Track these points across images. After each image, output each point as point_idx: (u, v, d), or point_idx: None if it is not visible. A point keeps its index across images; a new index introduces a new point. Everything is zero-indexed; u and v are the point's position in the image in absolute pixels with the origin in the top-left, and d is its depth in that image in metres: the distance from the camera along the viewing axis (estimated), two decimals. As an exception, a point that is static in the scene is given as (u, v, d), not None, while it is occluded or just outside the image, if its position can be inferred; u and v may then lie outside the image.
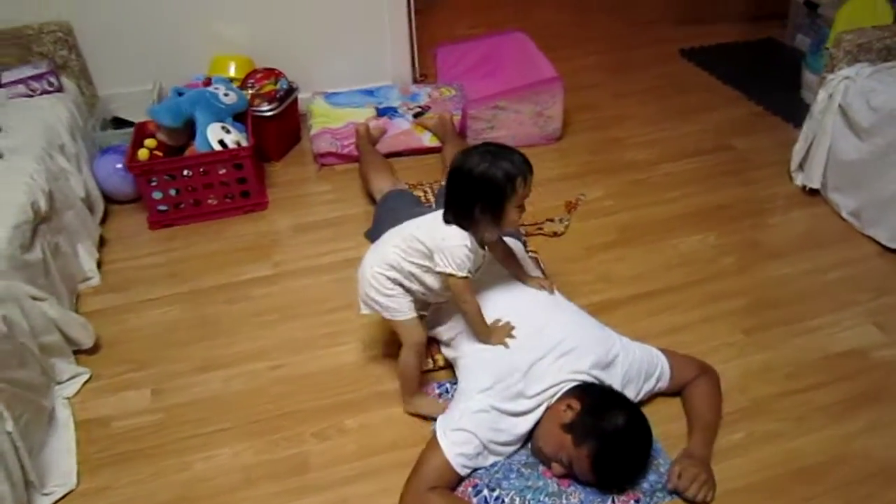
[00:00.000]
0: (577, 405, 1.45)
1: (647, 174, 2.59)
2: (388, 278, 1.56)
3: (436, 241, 1.50)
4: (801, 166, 2.43)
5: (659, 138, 2.81)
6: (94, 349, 1.92)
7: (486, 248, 1.58)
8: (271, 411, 1.73)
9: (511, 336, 1.58)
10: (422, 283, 1.57)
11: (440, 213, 1.53)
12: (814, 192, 2.41)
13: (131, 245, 2.34)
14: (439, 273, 1.52)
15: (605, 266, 2.15)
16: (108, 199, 2.48)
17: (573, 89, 3.15)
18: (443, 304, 1.70)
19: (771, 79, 3.17)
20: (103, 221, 2.41)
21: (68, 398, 1.77)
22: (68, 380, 1.81)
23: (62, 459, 1.62)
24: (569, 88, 3.13)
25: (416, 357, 1.63)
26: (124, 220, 2.45)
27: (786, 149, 2.52)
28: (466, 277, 1.51)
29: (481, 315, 1.58)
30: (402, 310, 1.59)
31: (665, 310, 1.99)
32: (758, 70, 3.29)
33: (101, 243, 2.31)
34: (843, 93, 2.21)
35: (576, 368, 1.53)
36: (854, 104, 2.17)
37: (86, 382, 1.83)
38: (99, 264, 2.22)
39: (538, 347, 1.55)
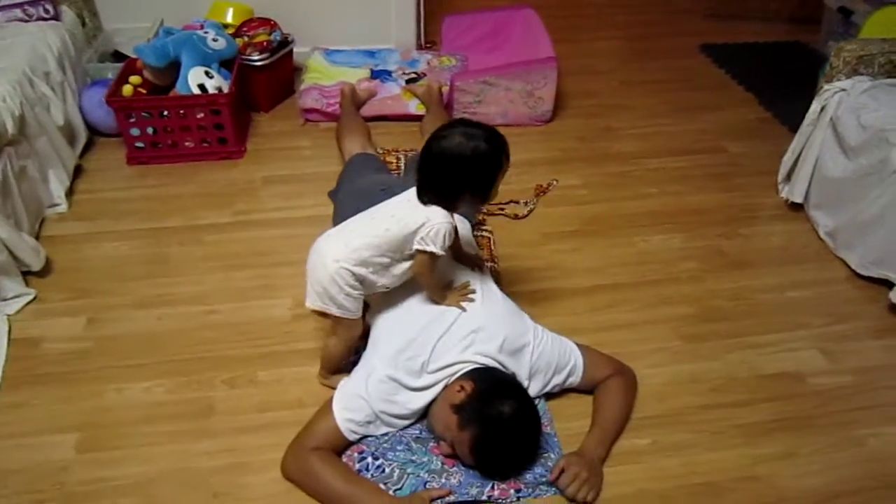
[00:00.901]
0: (469, 387, 1.44)
1: (630, 167, 2.52)
2: (354, 274, 1.46)
3: (417, 224, 1.42)
4: (788, 177, 2.33)
5: (653, 132, 2.73)
6: (45, 272, 1.98)
7: None
8: (192, 353, 1.76)
9: (469, 299, 1.56)
10: (392, 273, 1.51)
11: (411, 196, 1.46)
12: (797, 207, 2.31)
13: (106, 178, 2.40)
14: (417, 250, 1.45)
15: (560, 255, 2.11)
16: (95, 131, 2.55)
17: (580, 73, 3.10)
18: None
19: (788, 85, 3.02)
20: (85, 152, 2.48)
21: (8, 315, 1.84)
22: (12, 298, 1.88)
23: (-12, 372, 1.69)
24: (576, 72, 3.09)
25: (346, 349, 1.62)
26: (105, 153, 2.50)
27: (780, 159, 2.41)
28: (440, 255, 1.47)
29: (440, 287, 1.58)
30: (353, 310, 1.52)
31: (609, 306, 1.95)
32: (777, 74, 3.14)
33: (78, 173, 2.38)
34: (836, 106, 2.10)
35: (481, 350, 1.51)
36: (844, 119, 2.06)
37: (29, 303, 1.89)
38: (71, 193, 2.29)
39: (448, 322, 1.53)
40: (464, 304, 1.56)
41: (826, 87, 2.15)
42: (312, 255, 1.51)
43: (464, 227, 1.85)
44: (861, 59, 2.09)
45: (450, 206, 1.44)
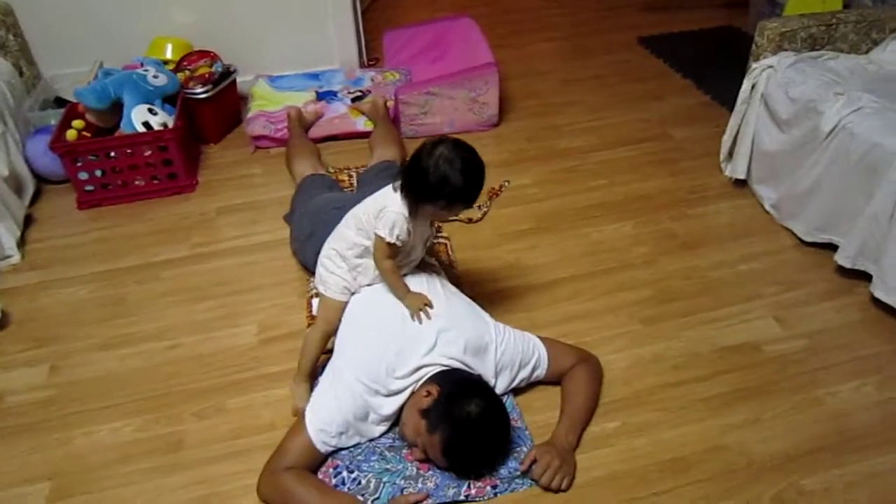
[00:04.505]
0: (435, 391, 1.46)
1: (578, 162, 2.57)
2: (340, 254, 1.63)
3: (378, 208, 1.53)
4: (730, 156, 2.40)
5: (599, 126, 2.79)
6: (2, 325, 1.96)
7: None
8: (159, 390, 1.75)
9: (428, 307, 1.58)
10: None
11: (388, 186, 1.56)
12: (741, 184, 2.38)
13: (58, 224, 2.37)
14: (375, 235, 1.54)
15: (516, 254, 2.15)
16: (42, 179, 2.52)
17: (523, 75, 3.16)
18: None
19: (723, 68, 3.10)
20: (35, 201, 2.46)
21: (-33, 372, 1.82)
22: (-30, 355, 1.86)
23: (-49, 431, 1.67)
24: (519, 75, 3.15)
25: (321, 337, 1.65)
26: (55, 200, 2.48)
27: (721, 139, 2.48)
28: (393, 244, 1.52)
29: (397, 276, 1.60)
30: (336, 289, 1.64)
31: (568, 298, 1.99)
32: (712, 59, 3.24)
33: (29, 222, 2.35)
34: (766, 82, 2.18)
35: (445, 352, 1.53)
36: (774, 94, 2.14)
37: (-12, 358, 1.87)
38: (23, 243, 2.27)
39: (412, 326, 1.55)
40: (427, 310, 1.58)
41: (754, 65, 2.22)
42: None
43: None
44: (784, 35, 2.17)
45: (411, 202, 1.50)
